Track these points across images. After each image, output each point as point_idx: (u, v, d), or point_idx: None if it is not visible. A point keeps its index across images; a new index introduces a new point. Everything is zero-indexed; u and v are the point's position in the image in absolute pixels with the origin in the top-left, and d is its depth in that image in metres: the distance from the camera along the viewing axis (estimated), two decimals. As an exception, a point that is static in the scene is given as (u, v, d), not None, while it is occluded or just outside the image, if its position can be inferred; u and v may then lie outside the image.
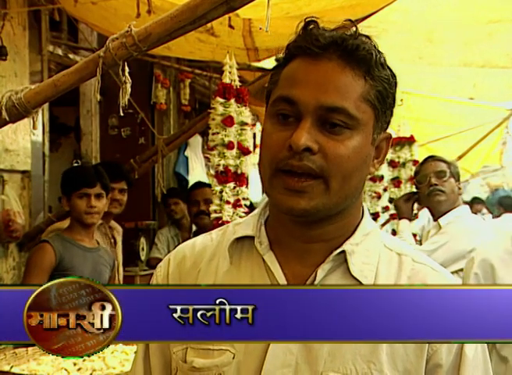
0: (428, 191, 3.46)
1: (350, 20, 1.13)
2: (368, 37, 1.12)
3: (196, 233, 4.50)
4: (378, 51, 1.11)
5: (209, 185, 4.57)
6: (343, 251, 1.12)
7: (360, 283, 1.11)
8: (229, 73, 3.58)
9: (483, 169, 9.33)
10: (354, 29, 1.11)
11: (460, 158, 7.27)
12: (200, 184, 4.91)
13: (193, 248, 1.23)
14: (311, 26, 1.11)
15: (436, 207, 3.46)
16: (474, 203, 9.56)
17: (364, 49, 1.08)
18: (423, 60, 4.85)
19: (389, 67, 1.13)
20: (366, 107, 1.09)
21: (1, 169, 4.03)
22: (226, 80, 3.56)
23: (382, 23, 3.93)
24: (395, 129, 6.26)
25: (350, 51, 1.08)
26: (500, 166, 9.09)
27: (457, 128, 7.08)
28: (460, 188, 3.49)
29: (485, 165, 8.86)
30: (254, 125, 5.75)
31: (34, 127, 2.32)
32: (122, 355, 2.92)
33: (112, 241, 3.90)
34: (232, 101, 3.55)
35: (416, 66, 5.03)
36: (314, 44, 1.08)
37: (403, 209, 3.85)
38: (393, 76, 1.14)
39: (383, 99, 1.11)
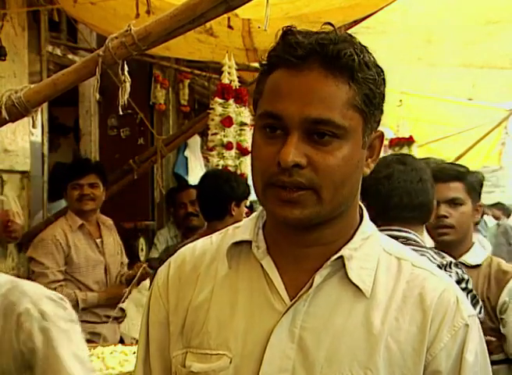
0: None
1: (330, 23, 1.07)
2: (350, 36, 1.07)
3: (185, 235, 4.49)
4: (362, 51, 1.06)
5: (193, 186, 4.56)
6: (341, 257, 1.10)
7: (359, 289, 1.09)
8: (228, 73, 3.58)
9: (482, 170, 9.30)
10: (334, 32, 1.06)
11: (458, 158, 7.27)
12: (184, 186, 4.85)
13: (193, 252, 1.22)
14: (289, 35, 1.06)
15: None
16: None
17: (346, 55, 1.03)
18: (422, 61, 4.85)
19: (375, 64, 1.08)
20: (353, 113, 1.05)
21: (1, 170, 4.02)
22: (225, 80, 3.57)
23: (381, 24, 3.94)
24: (394, 129, 6.27)
25: (331, 58, 1.03)
26: (499, 167, 9.09)
27: (456, 128, 7.08)
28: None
29: (484, 165, 8.86)
30: (253, 125, 5.72)
31: (34, 126, 2.32)
32: (121, 355, 2.92)
33: (99, 240, 3.87)
34: (231, 101, 3.55)
35: (415, 66, 5.03)
36: (293, 54, 1.04)
37: None
38: (379, 73, 1.08)
39: (370, 101, 1.07)
